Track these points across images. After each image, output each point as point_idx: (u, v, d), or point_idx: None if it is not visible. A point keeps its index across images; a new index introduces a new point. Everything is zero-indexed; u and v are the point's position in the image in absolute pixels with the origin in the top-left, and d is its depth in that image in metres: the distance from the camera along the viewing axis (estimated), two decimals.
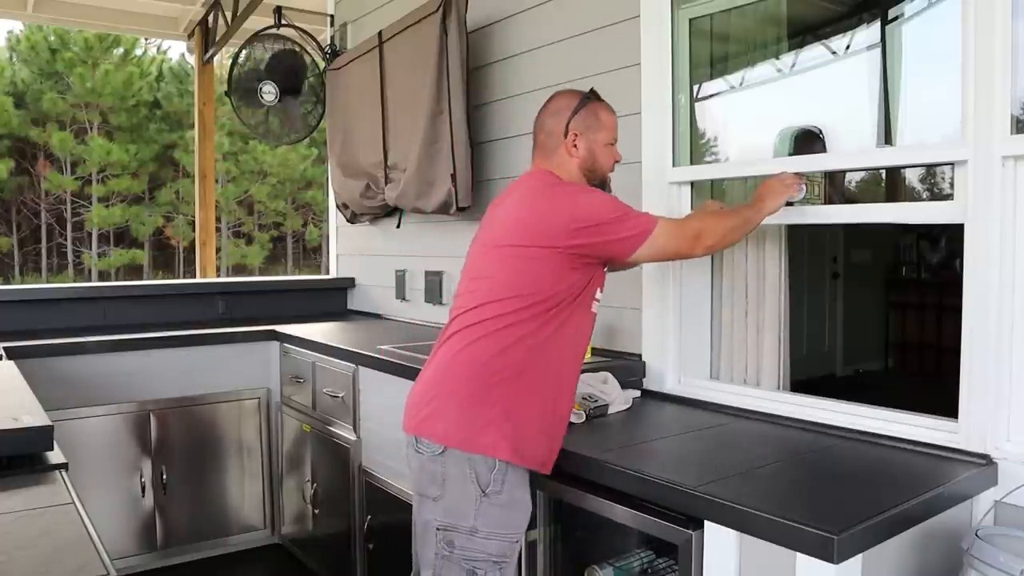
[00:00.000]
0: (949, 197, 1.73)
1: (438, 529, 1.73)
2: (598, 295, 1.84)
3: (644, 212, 1.82)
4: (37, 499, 1.26)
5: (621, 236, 1.74)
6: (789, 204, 1.95)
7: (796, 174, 1.95)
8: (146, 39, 21.25)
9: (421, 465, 1.76)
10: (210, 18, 5.72)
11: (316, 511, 3.11)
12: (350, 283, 4.30)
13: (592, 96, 1.90)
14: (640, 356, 2.40)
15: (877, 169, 2.35)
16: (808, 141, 2.22)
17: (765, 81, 2.31)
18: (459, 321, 1.80)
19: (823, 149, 2.17)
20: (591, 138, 1.86)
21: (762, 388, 2.16)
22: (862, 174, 2.62)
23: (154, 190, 22.48)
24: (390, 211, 3.70)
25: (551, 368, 1.75)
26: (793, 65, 2.32)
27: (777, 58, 2.25)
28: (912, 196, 2.69)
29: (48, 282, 19.91)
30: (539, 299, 1.73)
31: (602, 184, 1.91)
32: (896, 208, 2.08)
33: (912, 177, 2.62)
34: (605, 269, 1.84)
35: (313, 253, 25.18)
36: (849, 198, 2.81)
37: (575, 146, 1.86)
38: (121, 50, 21.85)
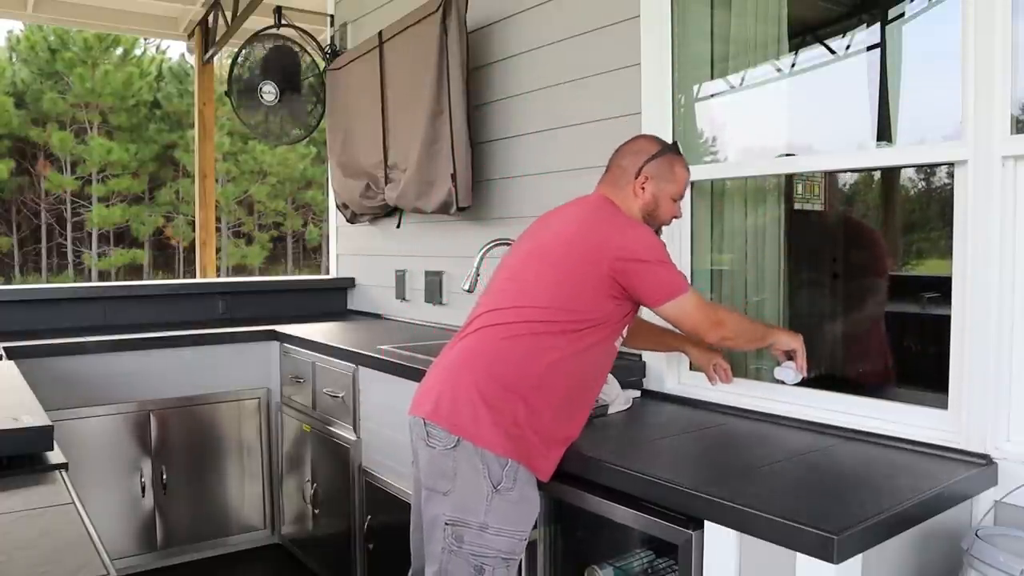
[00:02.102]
0: (949, 197, 1.73)
1: (447, 524, 1.73)
2: (625, 331, 1.90)
3: (682, 272, 1.86)
4: (37, 499, 1.26)
5: (655, 281, 1.79)
6: (780, 381, 1.97)
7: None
8: (146, 39, 21.26)
9: (431, 459, 1.76)
10: (210, 18, 5.72)
11: (316, 511, 3.11)
12: (350, 283, 4.30)
13: (674, 148, 1.96)
14: (640, 356, 2.40)
15: (876, 169, 2.35)
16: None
17: (765, 81, 2.31)
18: (488, 317, 1.83)
19: None
20: (660, 186, 1.90)
21: (761, 386, 2.16)
22: (857, 177, 2.62)
23: (154, 190, 22.50)
24: (390, 211, 3.70)
25: (567, 389, 1.78)
26: (793, 65, 2.32)
27: (777, 58, 2.25)
28: (911, 197, 2.69)
29: (48, 282, 19.91)
30: (572, 317, 1.77)
31: (658, 231, 1.95)
32: (896, 152, 2.06)
33: (908, 185, 2.63)
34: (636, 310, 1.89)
35: (313, 253, 25.20)
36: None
37: (643, 188, 1.90)
38: (121, 50, 21.87)
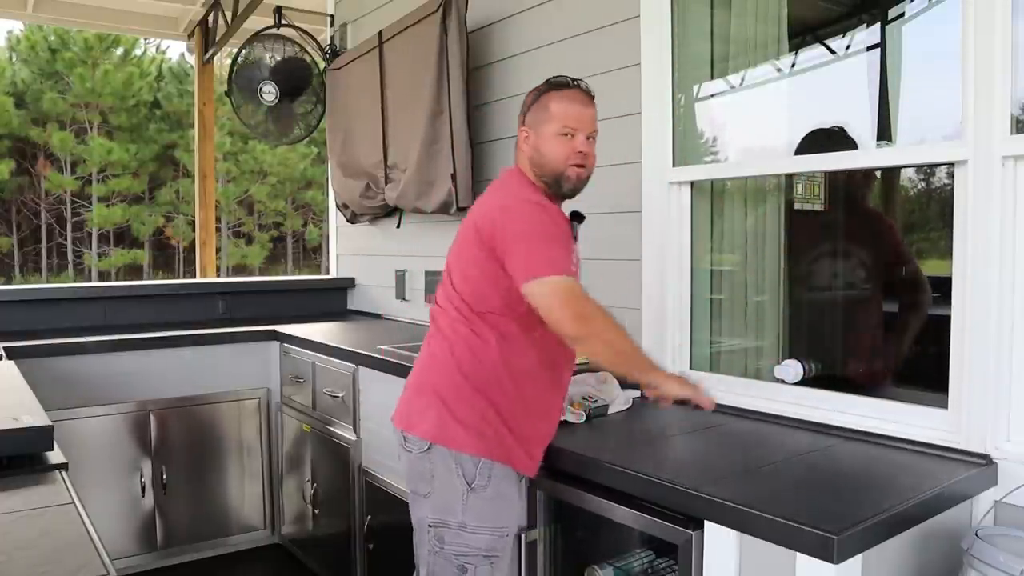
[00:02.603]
0: (949, 197, 1.73)
1: (430, 526, 1.74)
2: None
3: (568, 260, 1.66)
4: (37, 499, 1.26)
5: (520, 257, 1.63)
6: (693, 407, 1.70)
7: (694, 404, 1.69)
8: (146, 39, 21.25)
9: (410, 463, 1.78)
10: (210, 18, 5.72)
11: (316, 511, 3.11)
12: (350, 283, 4.30)
13: (549, 85, 1.81)
14: None
15: (876, 169, 2.35)
16: (819, 141, 2.22)
17: (765, 81, 2.31)
18: (435, 316, 1.85)
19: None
20: (539, 131, 1.76)
21: (761, 385, 2.16)
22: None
23: (154, 190, 22.49)
24: (390, 211, 3.70)
25: (519, 380, 1.73)
26: (793, 65, 2.32)
27: (777, 58, 2.24)
28: (909, 198, 2.69)
29: (48, 282, 19.91)
30: (485, 306, 1.73)
31: (556, 180, 1.76)
32: (896, 152, 2.06)
33: (908, 185, 2.63)
34: None
35: (313, 253, 25.19)
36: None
37: (525, 143, 1.79)
38: (121, 50, 21.86)
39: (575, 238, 1.82)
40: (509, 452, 1.73)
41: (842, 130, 2.19)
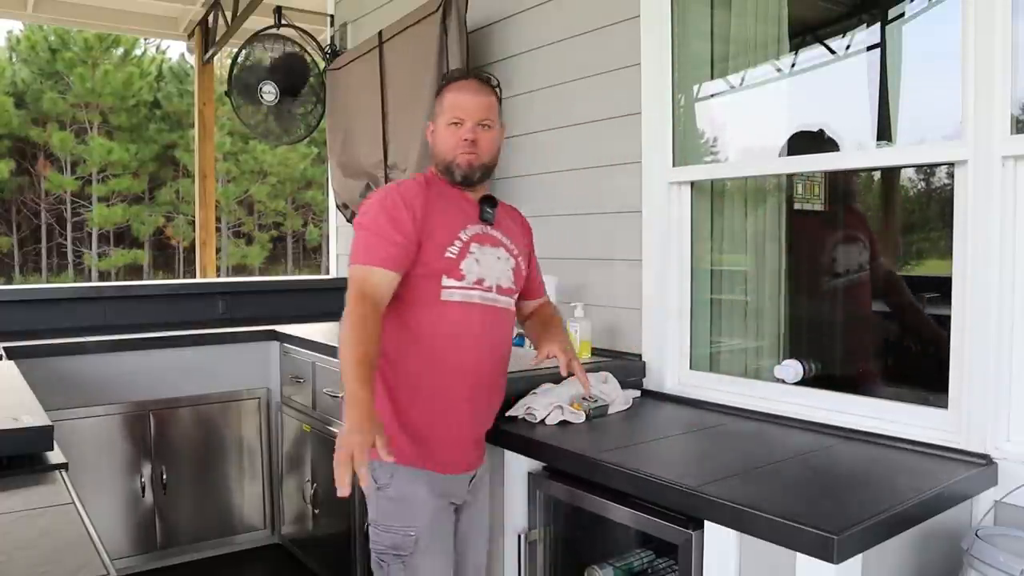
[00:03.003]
0: (949, 197, 1.73)
1: (368, 525, 1.80)
2: (451, 283, 1.72)
3: (382, 251, 1.65)
4: (37, 499, 1.26)
5: (353, 246, 1.70)
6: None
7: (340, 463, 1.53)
8: (146, 39, 21.25)
9: None
10: (210, 18, 5.72)
11: (316, 511, 3.11)
12: None
13: (447, 79, 1.84)
14: (640, 356, 2.40)
15: (876, 169, 2.35)
16: (806, 142, 2.23)
17: (765, 81, 2.31)
18: None
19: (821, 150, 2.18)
20: (436, 123, 1.81)
21: (761, 385, 2.16)
22: (857, 178, 2.62)
23: (154, 190, 22.49)
24: None
25: (402, 369, 1.73)
26: (793, 65, 2.32)
27: (777, 58, 2.25)
28: (911, 197, 2.69)
29: (48, 282, 19.91)
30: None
31: (448, 170, 1.78)
32: (896, 152, 2.06)
33: (908, 185, 2.63)
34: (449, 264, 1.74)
35: (313, 253, 25.18)
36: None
37: (430, 135, 1.83)
38: (121, 50, 21.85)
39: (485, 219, 1.82)
40: (407, 453, 1.71)
41: (821, 132, 2.20)
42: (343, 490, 1.46)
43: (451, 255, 1.72)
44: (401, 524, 1.74)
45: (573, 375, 1.86)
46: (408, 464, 1.73)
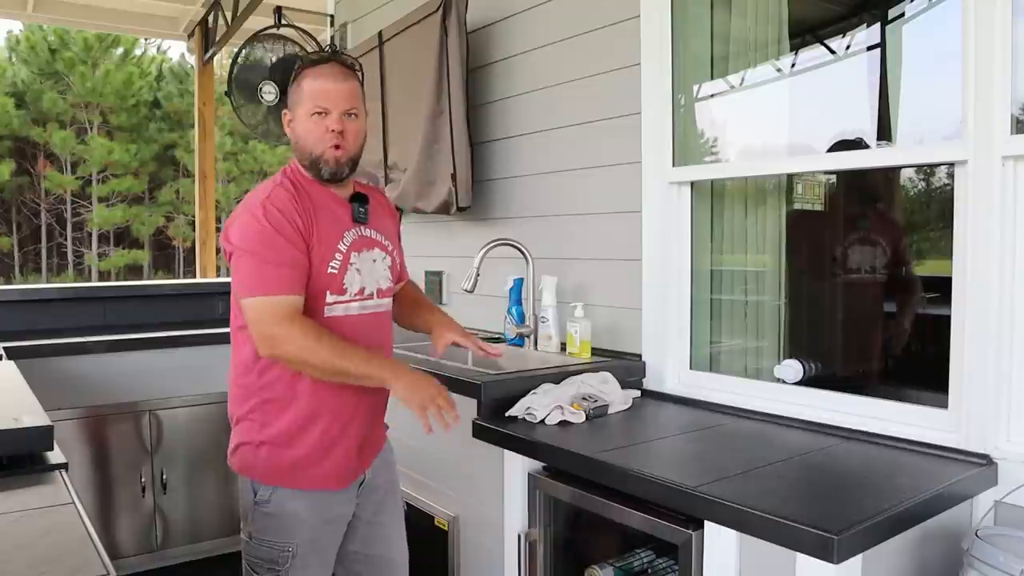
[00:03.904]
0: (949, 197, 1.73)
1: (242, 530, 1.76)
2: (333, 298, 1.66)
3: (282, 275, 1.57)
4: (37, 499, 1.26)
5: (240, 272, 1.59)
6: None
7: (453, 405, 1.64)
8: (146, 39, 21.25)
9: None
10: (210, 18, 5.72)
11: None
12: None
13: (306, 62, 1.68)
14: (640, 356, 2.40)
15: (875, 169, 2.35)
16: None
17: (765, 81, 2.31)
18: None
19: None
20: (296, 114, 1.67)
21: (761, 385, 2.16)
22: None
23: (155, 190, 22.48)
24: None
25: (280, 388, 1.67)
26: (793, 65, 2.32)
27: (777, 58, 2.25)
28: (911, 197, 2.69)
29: (48, 282, 19.91)
30: (238, 323, 1.69)
31: (314, 164, 1.67)
32: (896, 152, 2.06)
33: (908, 185, 2.63)
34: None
35: None
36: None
37: (289, 129, 1.71)
38: (121, 50, 21.84)
39: (359, 220, 1.73)
40: (284, 475, 1.68)
41: (860, 140, 2.19)
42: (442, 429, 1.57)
43: (333, 270, 1.65)
44: (278, 539, 1.68)
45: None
46: (288, 486, 1.68)
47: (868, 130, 2.30)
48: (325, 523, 1.73)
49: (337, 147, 1.65)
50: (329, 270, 1.65)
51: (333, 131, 1.63)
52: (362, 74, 1.74)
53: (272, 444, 1.68)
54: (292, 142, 1.70)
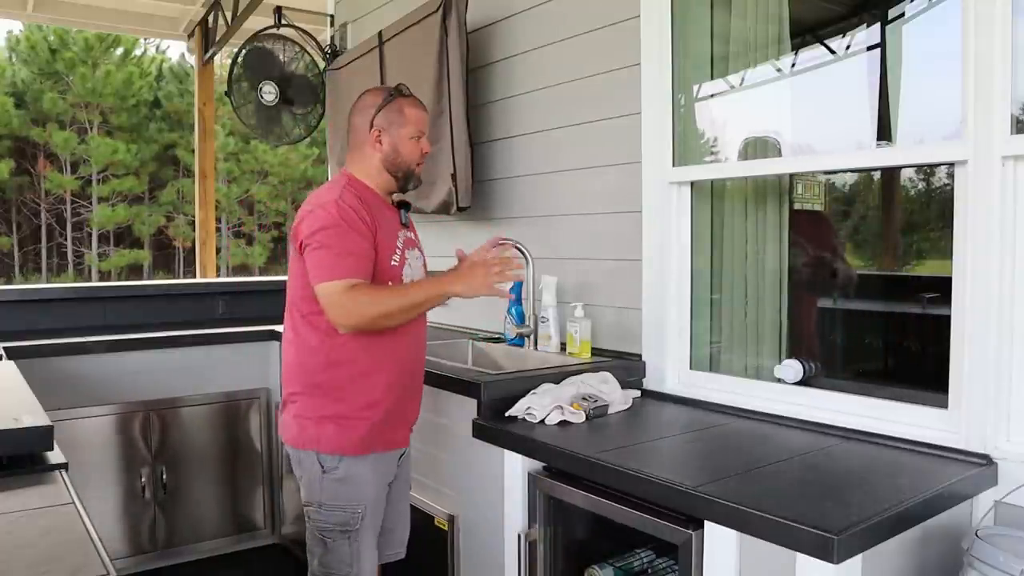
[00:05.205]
0: (949, 197, 1.73)
1: (303, 506, 1.95)
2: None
3: (351, 263, 1.82)
4: (37, 499, 1.26)
5: (314, 262, 1.82)
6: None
7: (509, 258, 1.95)
8: (146, 39, 21.25)
9: (287, 452, 2.00)
10: (210, 18, 5.72)
11: None
12: None
13: (398, 92, 1.99)
14: (640, 356, 2.40)
15: (876, 169, 2.35)
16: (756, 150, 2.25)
17: (765, 81, 2.31)
18: (284, 327, 2.06)
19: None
20: (395, 133, 1.95)
21: (761, 385, 2.16)
22: (856, 178, 2.62)
23: (155, 190, 22.48)
24: None
25: (337, 374, 1.90)
26: (793, 65, 2.32)
27: (777, 58, 2.24)
28: (911, 197, 2.69)
29: (48, 282, 19.91)
30: (313, 307, 1.88)
31: (407, 177, 1.99)
32: (896, 152, 2.06)
33: (908, 185, 2.63)
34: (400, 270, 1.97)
35: None
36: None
37: (379, 142, 1.95)
38: (121, 50, 21.84)
39: (404, 223, 2.04)
40: (355, 442, 1.89)
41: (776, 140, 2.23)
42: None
43: (395, 263, 1.93)
44: (349, 503, 1.89)
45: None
46: (356, 452, 1.90)
47: (868, 130, 2.30)
48: (384, 482, 1.98)
49: (420, 164, 2.00)
50: (392, 263, 1.92)
51: (426, 153, 2.00)
52: None
53: (340, 417, 1.89)
54: (382, 155, 1.96)
